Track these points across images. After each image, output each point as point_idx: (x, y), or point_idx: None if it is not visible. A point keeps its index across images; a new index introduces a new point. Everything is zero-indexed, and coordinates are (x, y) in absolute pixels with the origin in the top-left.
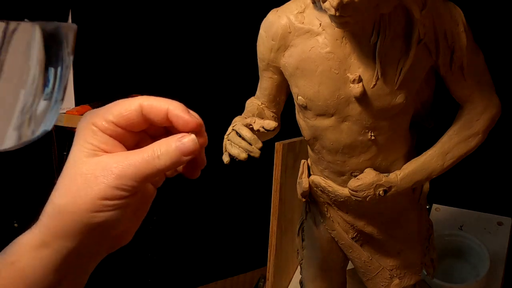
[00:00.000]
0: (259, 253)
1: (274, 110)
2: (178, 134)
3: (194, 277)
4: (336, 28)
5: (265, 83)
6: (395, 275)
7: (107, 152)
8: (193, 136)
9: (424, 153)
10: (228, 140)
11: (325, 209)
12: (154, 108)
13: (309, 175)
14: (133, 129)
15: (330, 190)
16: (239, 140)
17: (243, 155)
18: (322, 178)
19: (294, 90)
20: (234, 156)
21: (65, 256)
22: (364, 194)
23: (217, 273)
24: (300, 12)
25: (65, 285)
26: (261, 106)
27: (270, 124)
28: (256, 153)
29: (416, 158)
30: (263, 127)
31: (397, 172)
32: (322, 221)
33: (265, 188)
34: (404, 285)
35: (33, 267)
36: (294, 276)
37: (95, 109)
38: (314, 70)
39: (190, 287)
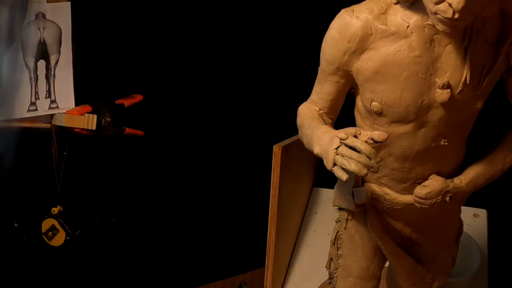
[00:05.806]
0: (259, 253)
1: (332, 116)
2: None
3: (194, 277)
4: (425, 31)
5: (330, 87)
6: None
7: None
8: None
9: (483, 158)
10: (337, 154)
11: (374, 217)
12: None
13: (362, 183)
14: None
15: (387, 197)
16: (358, 155)
17: (364, 171)
18: (377, 185)
19: (367, 96)
20: (353, 172)
21: None
22: (433, 202)
23: (217, 273)
24: (382, 13)
25: None
26: (319, 112)
27: (381, 136)
28: (376, 168)
29: (476, 163)
30: (372, 139)
31: (461, 177)
32: (370, 229)
33: (264, 187)
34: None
35: None
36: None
37: None
38: (399, 75)
39: (190, 287)
